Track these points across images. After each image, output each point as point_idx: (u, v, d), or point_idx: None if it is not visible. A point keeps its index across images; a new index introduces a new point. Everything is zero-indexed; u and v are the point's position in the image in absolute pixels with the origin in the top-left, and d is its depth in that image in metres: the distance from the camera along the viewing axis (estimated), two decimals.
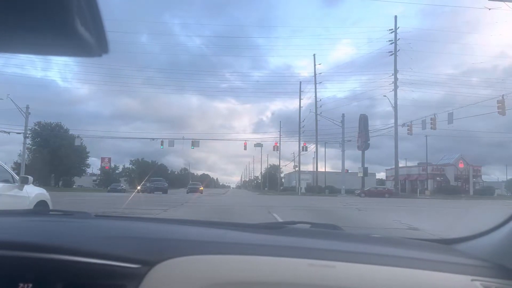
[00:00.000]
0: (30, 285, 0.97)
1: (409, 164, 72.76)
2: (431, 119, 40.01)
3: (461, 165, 61.49)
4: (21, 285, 0.96)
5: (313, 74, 57.16)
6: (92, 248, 1.03)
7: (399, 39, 47.57)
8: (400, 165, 55.88)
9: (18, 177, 7.42)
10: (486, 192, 52.73)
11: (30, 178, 7.77)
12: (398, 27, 47.89)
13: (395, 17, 48.80)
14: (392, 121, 48.73)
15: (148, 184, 45.91)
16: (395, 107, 47.17)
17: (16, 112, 47.13)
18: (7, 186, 6.89)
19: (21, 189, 7.42)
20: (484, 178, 66.69)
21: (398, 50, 47.35)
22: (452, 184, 59.75)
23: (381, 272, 1.03)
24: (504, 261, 1.11)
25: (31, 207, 7.32)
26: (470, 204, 26.97)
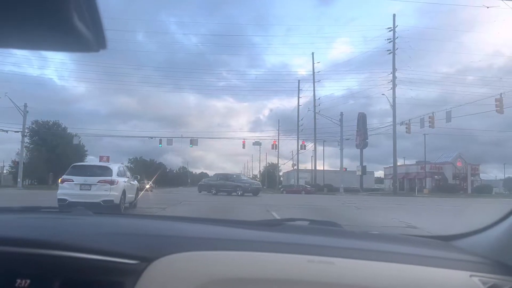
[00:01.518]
0: (28, 281, 0.96)
1: (407, 162, 72.90)
2: (429, 117, 40.05)
3: (459, 164, 61.52)
4: (19, 281, 0.96)
5: (309, 72, 57.21)
6: (91, 244, 1.03)
7: (397, 37, 47.59)
8: (398, 163, 55.88)
9: (131, 175, 15.29)
10: (484, 190, 52.72)
11: (137, 176, 17.32)
12: (397, 26, 47.92)
13: (394, 15, 48.76)
14: (389, 119, 48.86)
15: (236, 184, 33.20)
16: (394, 106, 47.22)
17: (14, 110, 47.11)
18: (131, 179, 14.61)
19: (133, 181, 14.93)
20: (482, 176, 66.67)
21: (397, 49, 47.39)
22: (450, 182, 59.73)
23: (380, 268, 1.03)
24: (502, 257, 1.12)
25: (135, 190, 14.90)
26: (468, 202, 27.04)
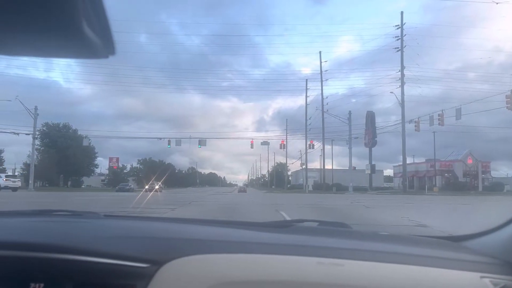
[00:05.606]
0: (42, 284, 0.98)
1: (416, 160, 72.21)
2: (439, 115, 39.71)
3: (469, 161, 60.77)
4: (33, 285, 0.98)
5: (313, 71, 56.79)
6: (102, 247, 1.04)
7: (405, 35, 47.25)
8: (408, 161, 55.38)
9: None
10: (495, 188, 52.02)
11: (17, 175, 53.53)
12: (405, 23, 47.56)
13: (401, 13, 48.45)
14: (394, 117, 48.64)
15: None
16: (402, 104, 46.88)
17: (23, 113, 47.64)
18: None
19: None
20: (493, 174, 65.80)
21: (405, 46, 47.04)
22: (461, 180, 59.08)
23: (389, 270, 1.02)
24: None
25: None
26: (479, 201, 26.74)
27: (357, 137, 54.70)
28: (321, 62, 56.79)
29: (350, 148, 53.15)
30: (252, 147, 55.97)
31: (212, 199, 25.18)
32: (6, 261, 1.01)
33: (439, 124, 40.15)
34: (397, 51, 47.61)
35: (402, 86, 47.00)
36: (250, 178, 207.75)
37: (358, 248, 1.15)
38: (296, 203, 20.92)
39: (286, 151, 74.74)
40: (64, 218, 1.53)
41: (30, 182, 49.05)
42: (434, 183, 58.62)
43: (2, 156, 73.43)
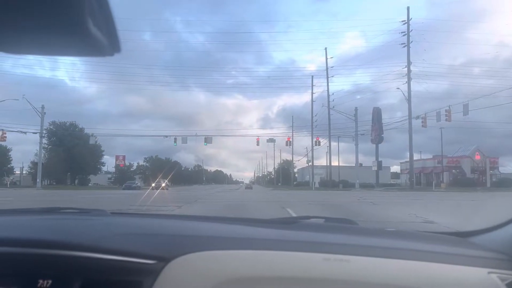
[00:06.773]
0: (50, 281, 0.99)
1: (423, 156, 71.71)
2: (446, 111, 39.45)
3: (477, 157, 60.19)
4: (41, 281, 0.99)
5: (318, 68, 56.61)
6: (109, 245, 1.05)
7: (411, 30, 46.90)
8: (414, 158, 54.93)
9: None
10: (504, 184, 51.51)
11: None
12: (411, 18, 47.21)
13: (408, 8, 48.08)
14: (399, 114, 48.42)
15: None
16: (409, 100, 46.56)
17: (30, 112, 47.97)
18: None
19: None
20: (501, 169, 65.03)
21: (411, 42, 46.69)
22: (469, 176, 58.66)
23: (396, 266, 1.02)
24: None
25: None
26: (487, 197, 26.51)
27: (364, 134, 54.51)
28: (326, 59, 56.61)
29: (356, 145, 52.98)
30: (258, 144, 55.91)
31: (219, 197, 25.23)
32: (15, 258, 1.03)
33: (446, 120, 39.88)
34: (403, 46, 47.26)
35: (408, 82, 46.68)
36: (256, 175, 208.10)
37: (364, 244, 1.15)
38: (303, 200, 20.90)
39: (292, 148, 74.65)
40: (71, 216, 1.54)
41: (37, 180, 49.42)
42: (441, 179, 58.21)
43: (10, 155, 74.17)
